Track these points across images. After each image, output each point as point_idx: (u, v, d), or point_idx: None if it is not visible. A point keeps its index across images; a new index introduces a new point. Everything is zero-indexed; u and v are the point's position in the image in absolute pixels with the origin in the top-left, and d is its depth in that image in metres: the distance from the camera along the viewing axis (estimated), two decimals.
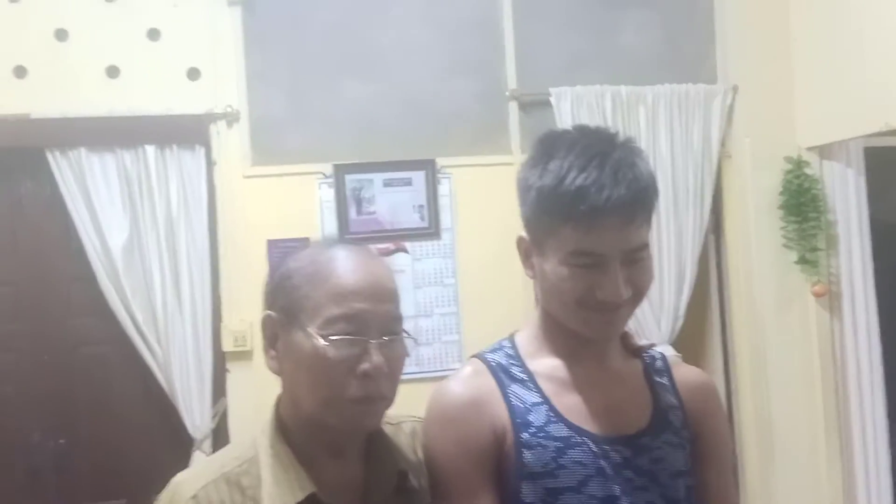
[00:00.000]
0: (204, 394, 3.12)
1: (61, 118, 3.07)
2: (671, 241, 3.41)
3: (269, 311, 1.10)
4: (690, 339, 3.59)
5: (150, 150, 3.11)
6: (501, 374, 1.17)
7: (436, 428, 1.15)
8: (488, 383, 1.16)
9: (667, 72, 3.50)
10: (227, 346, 3.17)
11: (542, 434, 1.12)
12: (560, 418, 1.13)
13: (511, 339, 1.25)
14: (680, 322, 3.44)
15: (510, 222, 3.17)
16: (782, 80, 3.53)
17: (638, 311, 1.21)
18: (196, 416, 3.10)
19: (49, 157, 3.07)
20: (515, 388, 1.16)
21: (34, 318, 3.15)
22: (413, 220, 3.32)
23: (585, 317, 1.14)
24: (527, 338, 1.24)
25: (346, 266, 1.06)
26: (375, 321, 1.05)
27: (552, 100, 3.37)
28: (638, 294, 1.14)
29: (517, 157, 3.39)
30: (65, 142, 3.08)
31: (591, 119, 3.35)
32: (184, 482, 1.05)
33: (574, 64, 3.47)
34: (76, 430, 3.14)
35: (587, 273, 1.11)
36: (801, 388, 3.49)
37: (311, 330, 1.03)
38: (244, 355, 3.17)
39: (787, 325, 3.51)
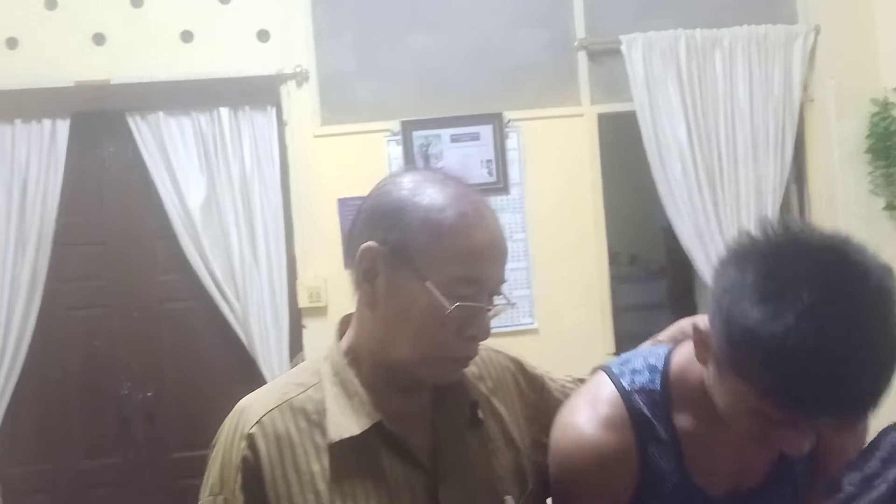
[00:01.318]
0: (282, 347, 3.22)
1: (139, 83, 3.18)
2: (750, 192, 3.30)
3: (371, 242, 1.00)
4: None
5: (224, 111, 3.20)
6: (643, 431, 1.11)
7: (580, 476, 1.11)
8: (628, 440, 1.11)
9: (744, 13, 3.35)
10: (303, 302, 3.25)
11: (667, 500, 1.11)
12: (688, 485, 1.11)
13: (665, 373, 1.13)
14: None
15: (579, 173, 3.17)
16: (866, 18, 3.34)
17: None
18: (275, 369, 3.20)
19: (129, 120, 3.19)
20: (653, 450, 1.11)
21: (122, 275, 3.30)
22: (481, 174, 3.30)
23: (754, 444, 1.06)
24: (684, 376, 1.11)
25: (474, 223, 1.01)
26: (491, 285, 1.02)
27: (622, 48, 3.28)
28: None
29: (586, 108, 3.32)
30: (144, 105, 3.19)
31: (664, 66, 3.24)
32: (248, 408, 1.04)
33: (644, 8, 3.35)
34: (163, 382, 3.30)
35: (773, 428, 0.97)
36: None
37: (431, 285, 0.97)
38: (319, 311, 3.25)
39: None
